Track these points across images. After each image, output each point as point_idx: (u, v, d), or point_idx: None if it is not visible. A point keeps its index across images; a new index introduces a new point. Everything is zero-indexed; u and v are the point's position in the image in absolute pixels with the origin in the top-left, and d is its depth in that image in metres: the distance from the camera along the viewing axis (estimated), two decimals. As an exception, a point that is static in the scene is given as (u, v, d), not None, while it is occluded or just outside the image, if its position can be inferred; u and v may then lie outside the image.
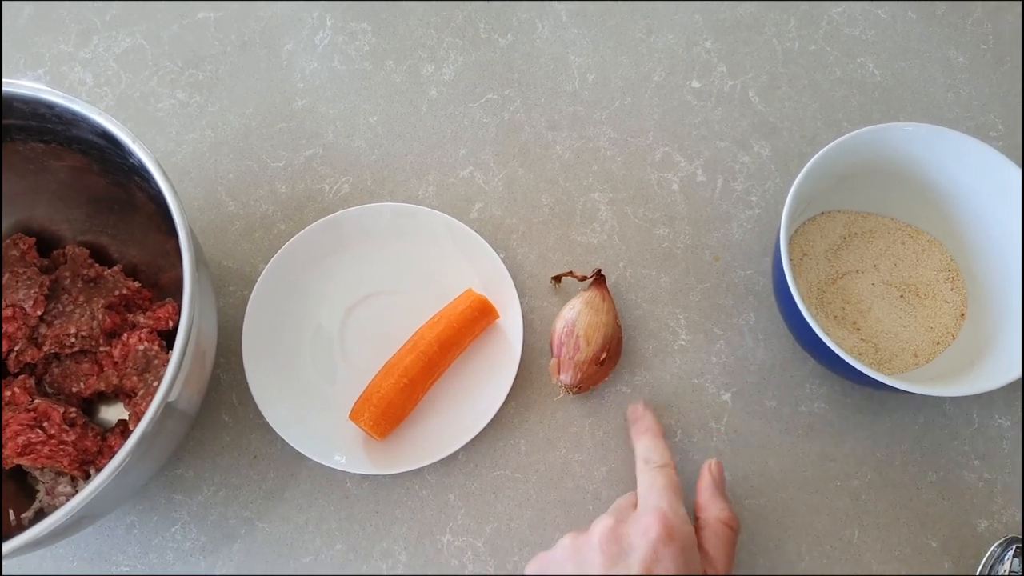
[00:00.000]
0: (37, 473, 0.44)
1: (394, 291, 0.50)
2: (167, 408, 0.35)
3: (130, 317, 0.47)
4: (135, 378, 0.45)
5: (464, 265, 0.50)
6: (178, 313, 0.44)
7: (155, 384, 0.44)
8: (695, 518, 0.41)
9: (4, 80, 0.40)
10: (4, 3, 0.59)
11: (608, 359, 0.46)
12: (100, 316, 0.45)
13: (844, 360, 0.40)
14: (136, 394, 0.45)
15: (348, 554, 0.45)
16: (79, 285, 0.46)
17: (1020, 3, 0.59)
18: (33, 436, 0.42)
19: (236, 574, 0.45)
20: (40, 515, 0.43)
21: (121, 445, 0.34)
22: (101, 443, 0.44)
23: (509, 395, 0.46)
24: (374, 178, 0.54)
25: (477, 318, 0.47)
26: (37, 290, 0.45)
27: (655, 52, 0.57)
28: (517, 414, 0.48)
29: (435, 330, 0.46)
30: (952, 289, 0.48)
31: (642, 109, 0.55)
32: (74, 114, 0.40)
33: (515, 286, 0.49)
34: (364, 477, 0.46)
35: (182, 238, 0.37)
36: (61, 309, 0.45)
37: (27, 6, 0.59)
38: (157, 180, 0.39)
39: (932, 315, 0.48)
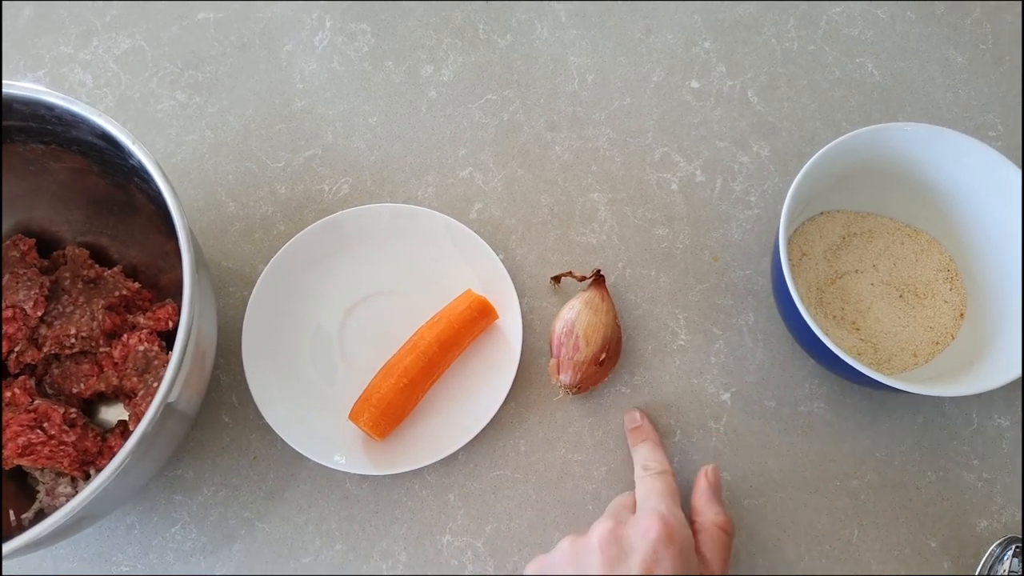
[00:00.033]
0: (37, 474, 0.44)
1: (394, 292, 0.50)
2: (167, 409, 0.35)
3: (130, 318, 0.47)
4: (135, 379, 0.45)
5: (463, 265, 0.50)
6: (178, 314, 0.44)
7: (155, 385, 0.44)
8: (691, 522, 0.41)
9: (4, 81, 0.40)
10: (4, 4, 0.59)
11: (607, 359, 0.46)
12: (100, 317, 0.45)
13: (843, 360, 0.40)
14: (136, 395, 0.45)
15: (348, 554, 0.45)
16: (79, 286, 0.47)
17: (1020, 3, 0.59)
18: (33, 437, 0.42)
19: (236, 574, 0.45)
20: (40, 515, 0.43)
21: (121, 446, 0.34)
22: (101, 444, 0.44)
23: (508, 395, 0.47)
24: (373, 179, 0.54)
25: (476, 318, 0.47)
26: (37, 291, 0.45)
27: (654, 52, 0.57)
28: (516, 414, 0.48)
29: (435, 330, 0.46)
30: (951, 289, 0.48)
31: (641, 109, 0.55)
32: (74, 115, 0.40)
33: (514, 286, 0.49)
34: (364, 477, 0.46)
35: (182, 239, 0.37)
36: (61, 310, 0.46)
37: (27, 7, 0.59)
38: (157, 181, 0.39)
39: (931, 315, 0.48)
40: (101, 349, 0.45)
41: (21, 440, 0.41)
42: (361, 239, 0.51)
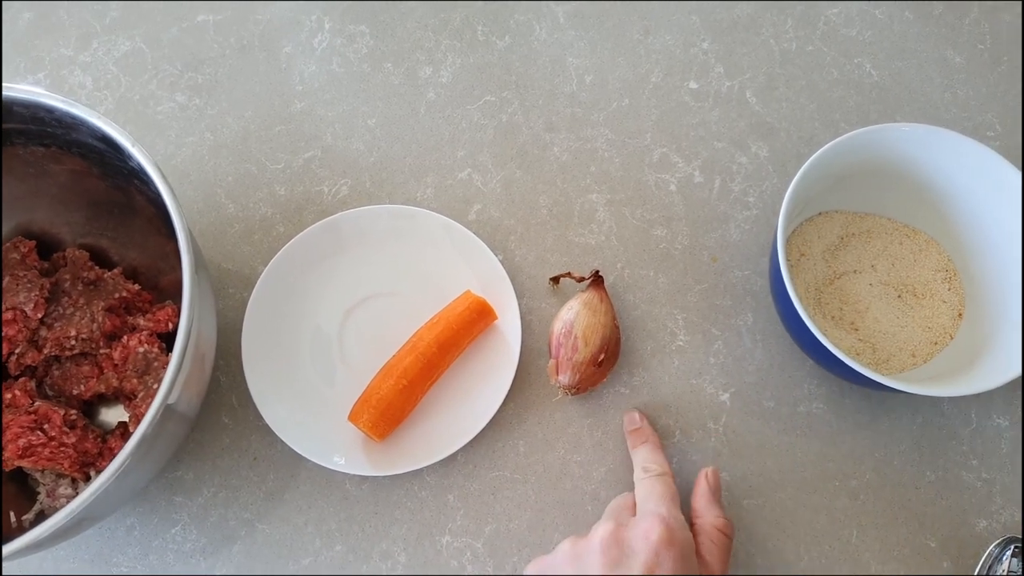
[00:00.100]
0: (38, 475, 0.44)
1: (393, 293, 0.50)
2: (167, 410, 0.36)
3: (130, 320, 0.47)
4: (135, 380, 0.45)
5: (462, 267, 0.50)
6: (178, 315, 0.44)
7: (155, 386, 0.45)
8: (691, 524, 0.41)
9: (4, 84, 0.40)
10: (4, 7, 0.59)
11: (606, 360, 0.46)
12: (100, 319, 0.45)
13: (842, 360, 0.40)
14: (136, 396, 0.45)
15: (347, 555, 0.45)
16: (79, 288, 0.47)
17: (1019, 2, 0.59)
18: (34, 438, 0.42)
19: (236, 575, 0.45)
20: (41, 517, 0.43)
21: (121, 447, 0.34)
22: (101, 445, 0.44)
23: (508, 396, 0.47)
24: (372, 180, 0.54)
25: (475, 319, 0.47)
26: (37, 293, 0.45)
27: (652, 53, 0.57)
28: (516, 415, 0.48)
29: (434, 331, 0.47)
30: (950, 289, 0.48)
31: (640, 110, 0.56)
32: (74, 118, 0.40)
33: (513, 287, 0.49)
34: (363, 478, 0.46)
35: (181, 241, 0.38)
36: (61, 312, 0.46)
37: (27, 10, 0.59)
38: (156, 183, 0.39)
39: (930, 315, 0.48)
40: (101, 351, 0.46)
41: (22, 442, 0.42)
42: (360, 240, 0.51)
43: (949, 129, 0.45)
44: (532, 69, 0.57)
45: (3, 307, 0.44)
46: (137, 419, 0.44)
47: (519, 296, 0.49)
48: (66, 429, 0.43)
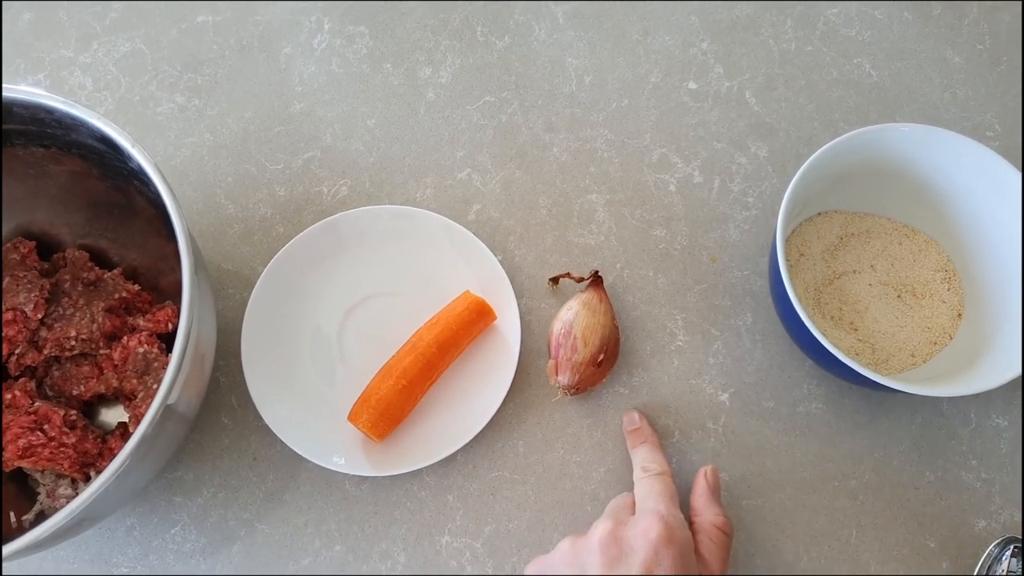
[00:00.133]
0: (38, 475, 0.44)
1: (392, 293, 0.50)
2: (167, 410, 0.36)
3: (130, 320, 0.47)
4: (135, 381, 0.45)
5: (462, 267, 0.50)
6: (177, 316, 0.44)
7: (155, 387, 0.45)
8: (690, 523, 0.41)
9: (4, 85, 0.40)
10: (4, 7, 0.59)
11: (605, 360, 0.46)
12: (100, 319, 0.46)
13: (841, 361, 0.40)
14: (136, 397, 0.45)
15: (347, 555, 0.45)
16: (79, 288, 0.47)
17: (1019, 2, 0.59)
18: (34, 439, 0.42)
19: (236, 575, 0.45)
20: (41, 517, 0.43)
21: (121, 447, 0.34)
22: (101, 445, 0.44)
23: (507, 396, 0.47)
24: (372, 180, 0.54)
25: (475, 320, 0.47)
26: (37, 293, 0.45)
27: (652, 54, 0.57)
28: (515, 415, 0.48)
29: (433, 332, 0.47)
30: (949, 289, 0.48)
31: (639, 111, 0.56)
32: (74, 119, 0.40)
33: (513, 288, 0.49)
34: (363, 479, 0.46)
35: (181, 242, 0.38)
36: (61, 312, 0.46)
37: (27, 10, 0.59)
38: (156, 184, 0.39)
39: (929, 315, 0.48)
40: (101, 351, 0.46)
41: (22, 442, 0.42)
42: (360, 241, 0.51)
43: (948, 129, 0.45)
44: (531, 69, 0.57)
45: (3, 307, 0.44)
46: (137, 419, 0.45)
47: (518, 296, 0.49)
48: (66, 429, 0.43)
